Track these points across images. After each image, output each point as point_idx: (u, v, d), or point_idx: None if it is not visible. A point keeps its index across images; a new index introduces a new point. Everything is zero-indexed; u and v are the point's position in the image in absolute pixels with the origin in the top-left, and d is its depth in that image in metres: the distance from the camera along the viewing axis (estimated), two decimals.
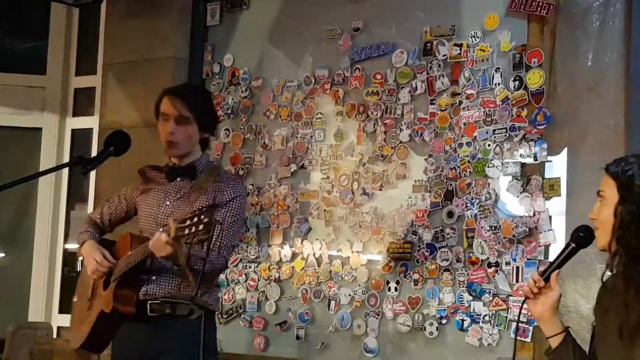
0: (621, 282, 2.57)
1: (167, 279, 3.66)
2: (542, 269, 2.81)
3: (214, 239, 3.53)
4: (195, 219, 3.23)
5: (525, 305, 2.86)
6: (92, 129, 6.19)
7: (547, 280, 2.77)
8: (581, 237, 2.76)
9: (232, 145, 5.56)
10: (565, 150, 4.48)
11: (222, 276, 5.24)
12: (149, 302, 3.66)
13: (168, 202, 3.74)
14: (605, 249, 2.67)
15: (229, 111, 5.58)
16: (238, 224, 3.76)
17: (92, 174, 5.87)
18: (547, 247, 4.47)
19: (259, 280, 5.32)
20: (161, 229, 3.44)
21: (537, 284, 2.77)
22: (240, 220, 3.79)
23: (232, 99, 5.59)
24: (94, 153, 5.85)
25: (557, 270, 2.77)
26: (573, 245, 2.77)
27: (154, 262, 3.59)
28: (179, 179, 3.79)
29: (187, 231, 3.25)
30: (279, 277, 5.26)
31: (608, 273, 2.72)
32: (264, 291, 5.30)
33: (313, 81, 5.31)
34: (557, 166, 4.50)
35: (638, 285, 2.52)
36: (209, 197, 3.68)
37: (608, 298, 2.67)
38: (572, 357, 2.75)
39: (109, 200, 4.00)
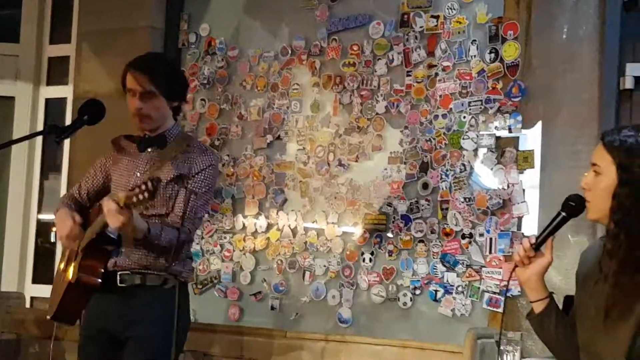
0: (614, 263, 2.57)
1: (137, 250, 3.65)
2: (532, 239, 2.79)
3: (187, 209, 3.53)
4: (143, 187, 3.22)
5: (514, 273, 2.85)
6: (66, 98, 6.15)
7: (537, 249, 2.77)
8: (572, 206, 2.74)
9: (208, 116, 5.55)
10: (540, 123, 4.50)
11: (196, 247, 5.28)
12: (119, 273, 3.66)
13: (138, 174, 3.71)
14: (597, 220, 2.68)
15: (205, 81, 5.57)
16: (206, 196, 3.73)
17: (66, 143, 5.84)
18: (520, 219, 4.50)
19: (234, 251, 5.33)
20: (108, 198, 3.41)
21: (527, 253, 2.77)
22: (209, 192, 3.75)
23: (208, 69, 5.56)
24: (68, 122, 5.81)
25: (552, 237, 2.77)
26: (564, 214, 2.75)
27: (120, 234, 3.57)
28: (149, 150, 3.76)
29: (135, 199, 3.24)
30: (254, 248, 5.27)
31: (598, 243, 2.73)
32: (239, 262, 5.31)
33: (290, 52, 5.30)
34: (531, 139, 4.53)
35: (632, 268, 2.53)
36: (177, 168, 3.66)
37: (593, 275, 2.67)
38: (555, 323, 2.77)
39: (86, 174, 3.97)
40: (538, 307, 2.80)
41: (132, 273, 3.66)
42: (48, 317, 3.80)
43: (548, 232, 2.77)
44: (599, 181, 2.63)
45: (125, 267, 3.66)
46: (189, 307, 3.89)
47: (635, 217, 2.53)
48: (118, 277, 3.66)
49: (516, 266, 2.81)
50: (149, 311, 3.63)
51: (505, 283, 2.98)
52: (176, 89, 3.78)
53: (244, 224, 5.32)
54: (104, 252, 3.63)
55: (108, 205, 3.33)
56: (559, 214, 2.76)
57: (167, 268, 3.62)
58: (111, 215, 3.33)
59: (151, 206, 3.64)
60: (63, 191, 5.89)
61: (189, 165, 3.66)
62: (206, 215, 5.17)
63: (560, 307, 2.86)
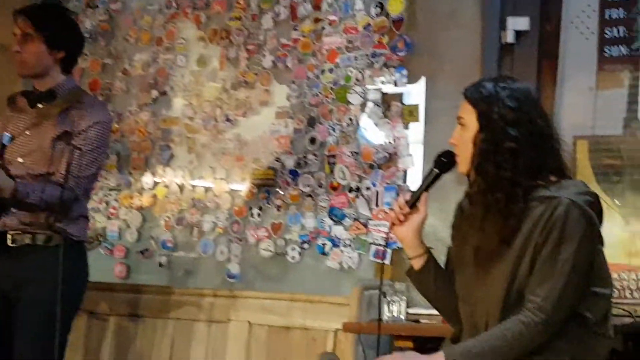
0: (479, 209, 2.60)
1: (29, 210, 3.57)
2: (407, 196, 2.81)
3: (71, 167, 3.46)
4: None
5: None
6: None
7: (412, 207, 2.78)
8: (443, 162, 2.77)
9: (91, 71, 5.42)
10: (424, 77, 4.55)
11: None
12: (9, 232, 3.58)
13: (27, 132, 3.63)
14: (468, 174, 2.70)
15: (87, 35, 5.39)
16: (96, 153, 3.66)
17: None
18: (405, 172, 4.56)
19: (119, 208, 5.25)
20: None
21: (402, 211, 2.78)
22: (99, 149, 3.68)
23: (91, 22, 5.43)
24: None
25: (425, 193, 2.79)
26: (436, 170, 2.78)
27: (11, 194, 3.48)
28: (40, 105, 3.67)
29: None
30: (141, 205, 5.21)
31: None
32: (125, 219, 5.24)
33: (174, 5, 5.21)
34: (416, 93, 4.59)
35: (497, 212, 2.56)
36: (63, 124, 3.58)
37: (466, 224, 2.72)
38: (434, 278, 2.81)
39: None
40: (417, 264, 2.83)
41: (22, 233, 3.59)
42: None
43: (422, 189, 2.79)
44: (464, 133, 2.67)
45: (15, 227, 3.58)
46: (85, 267, 3.83)
47: (492, 161, 2.57)
48: (9, 237, 3.58)
49: (393, 224, 2.82)
50: (39, 271, 3.57)
51: (387, 236, 2.97)
52: (60, 37, 3.67)
53: (130, 181, 5.25)
54: None
55: None
56: (431, 170, 2.79)
57: (51, 226, 3.56)
58: None
59: (36, 165, 3.57)
60: None
61: (76, 122, 3.59)
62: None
63: (444, 259, 2.91)
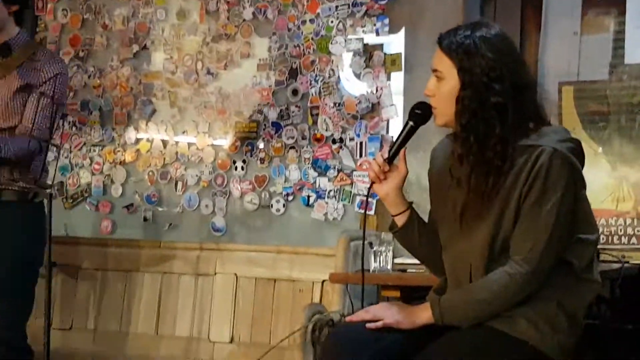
0: (467, 167, 2.56)
1: None
2: (385, 153, 2.71)
3: (36, 117, 3.44)
4: None
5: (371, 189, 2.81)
6: None
7: (390, 163, 2.71)
8: (419, 114, 2.67)
9: (71, 26, 5.37)
10: (402, 26, 4.53)
11: (65, 161, 5.17)
12: None
13: None
14: (445, 125, 2.63)
15: None
16: (57, 103, 3.64)
17: None
18: (389, 122, 4.56)
19: (104, 163, 5.24)
20: None
21: (381, 168, 2.71)
22: (60, 99, 3.66)
23: None
24: None
25: (404, 149, 2.71)
26: (411, 123, 2.68)
27: None
28: None
29: None
30: (124, 160, 5.20)
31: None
32: (109, 175, 5.23)
33: None
34: (398, 42, 4.56)
35: (483, 170, 2.53)
36: (24, 77, 3.55)
37: (447, 179, 2.66)
38: (417, 233, 2.78)
39: None
40: (400, 220, 2.78)
41: None
42: None
43: (399, 144, 2.70)
44: (442, 86, 2.58)
45: None
46: (44, 220, 3.81)
47: (481, 118, 2.51)
48: None
49: (373, 183, 2.76)
50: (7, 227, 3.57)
51: (368, 190, 2.91)
52: None
53: (113, 136, 5.23)
54: None
55: None
56: (407, 123, 2.70)
57: (10, 181, 3.55)
58: None
59: None
60: None
61: (37, 74, 3.56)
62: (61, 127, 5.05)
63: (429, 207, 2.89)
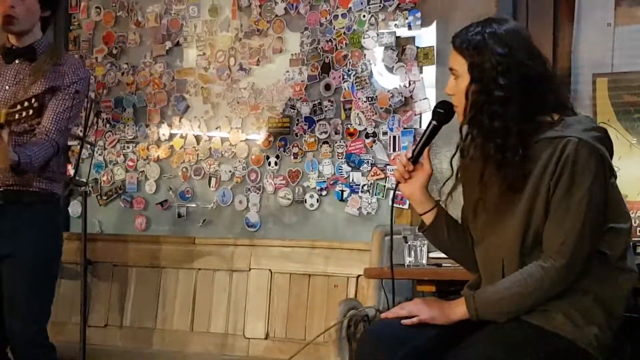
0: (478, 161, 2.57)
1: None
2: (409, 153, 2.74)
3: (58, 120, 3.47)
4: (26, 103, 3.15)
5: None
6: None
7: (415, 162, 2.73)
8: (441, 113, 2.72)
9: (104, 24, 5.40)
10: (434, 19, 4.50)
11: (99, 158, 5.20)
12: None
13: (7, 87, 3.60)
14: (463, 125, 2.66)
15: None
16: (77, 109, 3.66)
17: None
18: (422, 115, 4.54)
19: (137, 160, 5.26)
20: None
21: (406, 168, 2.73)
22: (79, 104, 3.68)
23: None
24: None
25: (427, 147, 2.73)
26: (434, 122, 2.72)
27: None
28: (17, 61, 3.65)
29: (17, 116, 3.17)
30: (158, 156, 5.22)
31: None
32: (143, 171, 5.25)
33: None
34: (430, 35, 4.54)
35: (494, 163, 2.53)
36: (48, 81, 3.56)
37: (470, 177, 2.68)
38: (446, 230, 2.78)
39: None
40: (428, 219, 2.80)
41: (5, 190, 3.58)
42: None
43: (423, 143, 2.73)
44: (459, 84, 2.61)
45: (2, 183, 3.58)
46: (62, 220, 3.84)
47: (486, 112, 2.53)
48: None
49: (398, 183, 2.78)
50: (24, 228, 3.58)
51: (393, 192, 2.92)
52: None
53: (146, 133, 5.26)
54: None
55: None
56: (430, 122, 2.73)
57: (41, 183, 3.57)
58: None
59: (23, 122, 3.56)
60: None
61: (61, 77, 3.57)
62: (95, 125, 5.09)
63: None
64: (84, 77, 3.65)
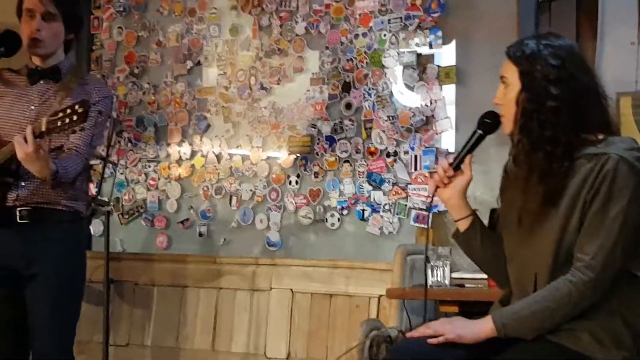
0: (524, 170, 2.57)
1: (37, 184, 3.55)
2: (451, 159, 2.78)
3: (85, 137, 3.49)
4: (69, 110, 3.15)
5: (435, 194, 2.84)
6: None
7: (456, 169, 2.75)
8: (487, 123, 2.72)
9: (126, 44, 5.43)
10: (455, 38, 4.51)
11: (120, 177, 5.21)
12: (18, 208, 3.58)
13: (33, 107, 3.61)
14: (513, 133, 2.65)
15: (121, 9, 5.43)
16: (100, 128, 3.67)
17: None
18: (443, 134, 4.53)
19: (159, 179, 5.28)
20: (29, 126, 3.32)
21: (446, 174, 2.75)
22: (105, 122, 3.68)
23: None
24: None
25: (469, 155, 2.75)
26: (480, 131, 2.73)
27: (20, 167, 3.48)
28: (42, 82, 3.66)
29: (59, 123, 3.18)
30: (179, 175, 5.23)
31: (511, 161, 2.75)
32: (164, 190, 5.26)
33: None
34: (451, 54, 4.54)
35: (540, 172, 2.53)
36: (77, 98, 3.57)
37: (511, 186, 2.68)
38: (480, 239, 2.77)
39: None
40: (463, 226, 2.79)
41: (32, 209, 3.59)
42: None
43: (466, 151, 2.75)
44: (508, 92, 2.62)
45: (25, 202, 3.58)
46: (86, 240, 3.85)
47: (536, 120, 2.54)
48: (17, 213, 3.58)
49: (437, 187, 2.79)
50: (50, 247, 3.58)
51: (430, 200, 2.94)
52: (75, 21, 3.67)
53: (167, 152, 5.27)
54: (2, 184, 3.53)
55: (28, 131, 3.26)
56: (475, 131, 2.74)
57: (67, 201, 3.58)
58: (21, 145, 3.26)
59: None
60: None
61: (87, 95, 3.58)
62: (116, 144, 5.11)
63: (487, 221, 2.88)
64: (107, 97, 3.67)
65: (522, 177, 2.59)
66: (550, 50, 2.57)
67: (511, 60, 2.63)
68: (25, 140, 3.26)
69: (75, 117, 3.17)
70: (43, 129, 3.22)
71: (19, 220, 3.55)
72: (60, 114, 3.18)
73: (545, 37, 2.62)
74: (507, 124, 2.65)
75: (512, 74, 2.62)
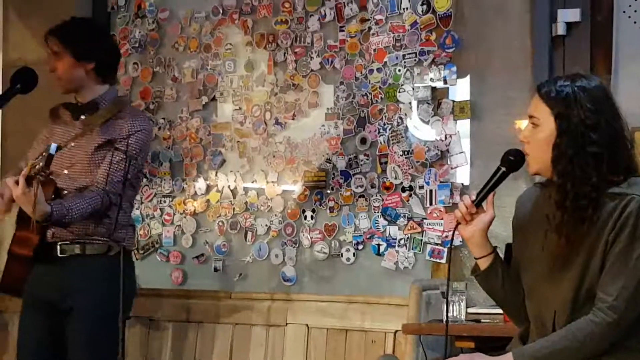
0: (561, 214, 2.55)
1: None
2: (473, 196, 2.75)
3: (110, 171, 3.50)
4: (41, 155, 3.21)
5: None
6: None
7: (478, 206, 2.73)
8: (512, 160, 2.71)
9: (141, 79, 5.46)
10: (470, 73, 4.52)
11: (136, 212, 5.22)
12: (58, 243, 3.60)
13: (73, 143, 3.65)
14: (537, 173, 2.67)
15: (137, 45, 5.47)
16: (134, 159, 3.65)
17: None
18: (458, 169, 4.53)
19: (174, 214, 5.28)
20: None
21: (468, 210, 2.73)
22: (138, 155, 3.67)
23: (139, 32, 5.46)
24: None
25: (492, 192, 2.73)
26: (503, 169, 2.72)
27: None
28: (83, 117, 3.69)
29: (36, 167, 3.24)
30: (195, 210, 5.23)
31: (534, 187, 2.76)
32: (179, 225, 5.27)
33: (221, 11, 5.22)
34: (466, 89, 4.55)
35: (576, 217, 2.53)
36: (106, 133, 3.60)
37: (535, 223, 2.67)
38: (501, 278, 2.76)
39: (32, 147, 3.86)
40: (483, 264, 2.78)
41: (71, 243, 3.61)
42: None
43: (489, 188, 2.73)
44: (538, 132, 2.61)
45: (64, 237, 3.60)
46: (134, 274, 3.86)
47: (578, 166, 2.53)
48: (58, 248, 3.60)
49: (458, 223, 2.77)
50: (90, 281, 3.60)
51: (448, 234, 2.94)
52: (88, 48, 3.67)
53: (183, 187, 5.28)
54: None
55: (8, 183, 3.33)
56: (498, 169, 2.73)
57: (110, 236, 3.59)
58: (12, 187, 3.32)
59: (80, 176, 3.59)
60: None
61: (119, 130, 3.60)
62: (143, 181, 5.11)
63: (502, 254, 2.87)
64: (140, 130, 3.66)
65: (558, 220, 2.57)
66: (586, 94, 2.56)
67: (543, 100, 2.61)
68: (17, 183, 3.31)
69: (41, 163, 3.21)
70: (26, 173, 3.28)
71: (58, 255, 3.58)
72: (39, 157, 3.23)
73: (579, 79, 2.61)
74: (533, 163, 2.65)
75: (544, 114, 2.60)
